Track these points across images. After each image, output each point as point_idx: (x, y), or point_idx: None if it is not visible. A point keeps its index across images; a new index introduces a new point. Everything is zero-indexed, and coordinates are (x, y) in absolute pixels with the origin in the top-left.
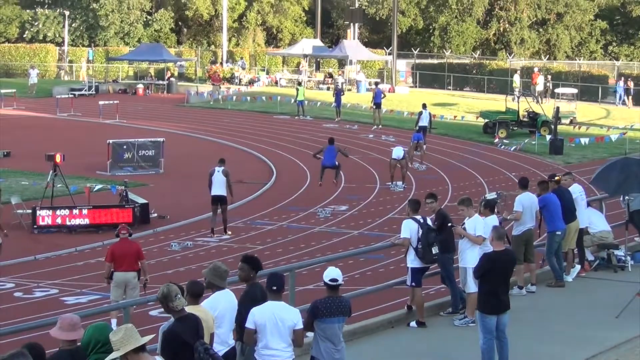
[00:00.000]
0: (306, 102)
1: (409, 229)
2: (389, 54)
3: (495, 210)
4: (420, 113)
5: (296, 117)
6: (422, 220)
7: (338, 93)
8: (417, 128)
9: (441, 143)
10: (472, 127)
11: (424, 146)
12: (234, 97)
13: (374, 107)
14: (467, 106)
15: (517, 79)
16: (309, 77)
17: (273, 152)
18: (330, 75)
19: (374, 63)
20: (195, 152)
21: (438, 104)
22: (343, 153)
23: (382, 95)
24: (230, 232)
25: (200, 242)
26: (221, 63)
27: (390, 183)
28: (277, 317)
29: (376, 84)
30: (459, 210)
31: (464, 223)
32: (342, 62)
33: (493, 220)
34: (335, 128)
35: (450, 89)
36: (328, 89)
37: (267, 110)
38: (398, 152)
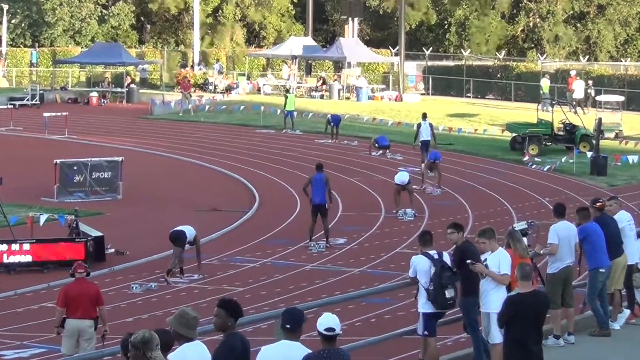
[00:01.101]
0: (296, 113)
1: (415, 267)
2: (396, 54)
3: (526, 242)
4: (419, 125)
5: (283, 132)
6: (436, 257)
7: (335, 116)
8: (419, 144)
9: (460, 162)
10: (497, 142)
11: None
12: (208, 108)
13: (379, 147)
14: (490, 117)
15: (545, 83)
16: (298, 82)
17: (255, 173)
18: (323, 81)
19: (377, 66)
20: (161, 173)
21: (455, 115)
22: (329, 194)
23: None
24: (180, 276)
25: (166, 284)
26: (192, 66)
27: (397, 211)
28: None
29: (370, 137)
30: (480, 244)
31: (485, 259)
32: (338, 65)
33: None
34: (329, 144)
35: (469, 97)
36: (322, 97)
37: (248, 123)
38: (402, 176)
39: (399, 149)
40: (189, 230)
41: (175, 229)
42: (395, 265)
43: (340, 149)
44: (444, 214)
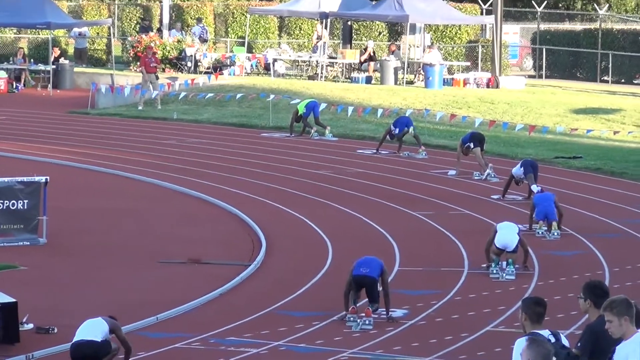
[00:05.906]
0: (319, 105)
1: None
2: (489, 11)
3: None
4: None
5: (311, 135)
6: (553, 339)
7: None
8: (524, 172)
9: (591, 188)
10: None
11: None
12: (184, 97)
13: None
14: None
15: None
16: (331, 57)
17: (259, 203)
18: (370, 57)
19: (458, 30)
20: (109, 203)
21: (584, 111)
22: (385, 292)
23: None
24: None
25: None
26: (159, 30)
27: (488, 265)
28: None
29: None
30: (606, 321)
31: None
32: (395, 29)
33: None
34: (380, 156)
35: (607, 81)
36: (369, 80)
37: (249, 122)
38: (507, 237)
39: (495, 166)
40: (101, 327)
41: (78, 341)
42: (486, 352)
43: (398, 163)
44: (565, 271)
